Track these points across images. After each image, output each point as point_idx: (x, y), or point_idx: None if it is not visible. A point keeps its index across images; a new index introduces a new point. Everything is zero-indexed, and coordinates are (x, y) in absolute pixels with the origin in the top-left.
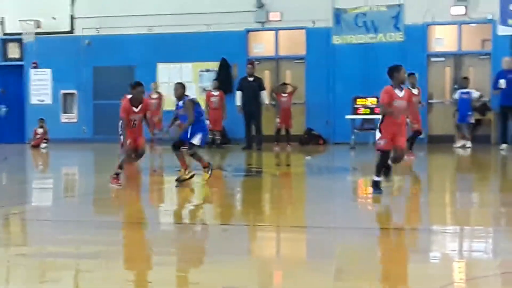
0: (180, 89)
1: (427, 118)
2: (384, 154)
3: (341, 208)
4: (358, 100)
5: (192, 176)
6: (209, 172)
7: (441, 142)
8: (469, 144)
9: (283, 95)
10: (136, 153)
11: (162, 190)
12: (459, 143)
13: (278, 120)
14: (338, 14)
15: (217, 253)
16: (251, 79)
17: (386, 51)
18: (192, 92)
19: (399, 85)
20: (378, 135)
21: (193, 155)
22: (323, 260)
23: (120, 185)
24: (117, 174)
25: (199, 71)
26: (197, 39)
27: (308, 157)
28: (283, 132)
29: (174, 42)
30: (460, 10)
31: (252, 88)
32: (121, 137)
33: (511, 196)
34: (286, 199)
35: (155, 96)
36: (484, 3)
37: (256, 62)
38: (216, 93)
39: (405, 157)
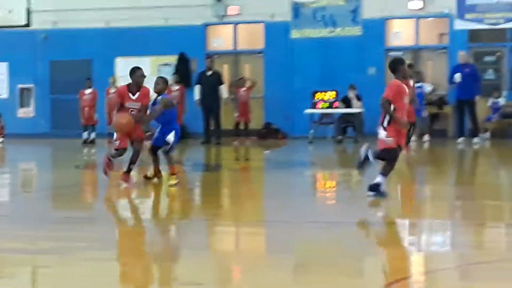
0: (162, 84)
1: None
2: (393, 151)
3: (300, 202)
4: (317, 94)
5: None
6: (176, 180)
7: None
8: (426, 137)
9: (242, 89)
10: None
11: (120, 185)
12: (412, 137)
13: (236, 114)
14: (296, 8)
15: (176, 248)
16: (209, 73)
17: (344, 45)
18: (150, 86)
19: (403, 78)
20: (383, 133)
21: (167, 153)
22: (283, 255)
23: (108, 176)
24: (110, 160)
25: (158, 65)
26: (156, 33)
27: (267, 152)
28: (241, 126)
29: (132, 36)
30: (417, 4)
31: (211, 82)
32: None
33: (468, 189)
34: (245, 193)
35: (113, 90)
36: None
37: (215, 56)
38: (177, 87)
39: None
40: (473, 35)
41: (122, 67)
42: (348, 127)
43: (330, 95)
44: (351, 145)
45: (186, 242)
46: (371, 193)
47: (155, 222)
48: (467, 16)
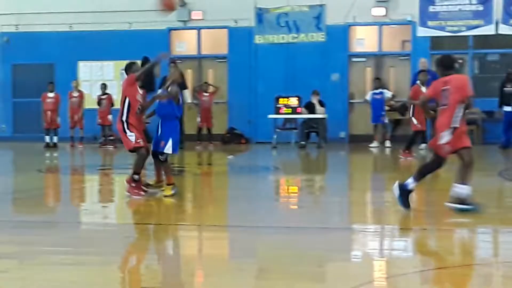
0: (176, 73)
1: (348, 117)
2: (441, 159)
3: (263, 207)
4: (280, 99)
5: (159, 186)
6: (173, 190)
7: (362, 142)
8: (388, 143)
9: (205, 94)
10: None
11: (83, 189)
12: (375, 143)
13: (199, 119)
14: (260, 14)
15: (137, 253)
16: None
17: (308, 51)
18: (113, 91)
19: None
20: (446, 137)
21: (164, 162)
22: (245, 260)
23: (143, 195)
24: (135, 181)
25: (121, 69)
26: (119, 37)
27: (230, 156)
28: (204, 131)
29: (95, 40)
30: (380, 11)
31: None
32: (128, 131)
33: (429, 195)
34: (208, 198)
35: (76, 94)
36: (404, 4)
37: (179, 61)
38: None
39: (403, 157)
40: (435, 42)
41: (85, 71)
42: (312, 133)
43: (293, 100)
44: (314, 151)
45: (148, 246)
46: (458, 206)
47: (118, 226)
48: (430, 23)
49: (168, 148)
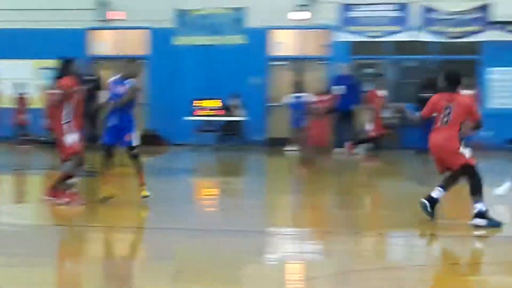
0: (135, 68)
1: (267, 120)
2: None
3: (180, 209)
4: (199, 101)
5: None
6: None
7: (280, 145)
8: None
9: None
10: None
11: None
12: (291, 146)
13: None
14: (181, 15)
15: (51, 255)
16: (89, 78)
17: (228, 54)
18: (30, 90)
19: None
20: (466, 151)
21: (136, 157)
22: (162, 262)
23: (68, 201)
24: (64, 186)
25: (39, 68)
26: (37, 36)
27: (148, 158)
28: None
29: (12, 38)
30: (300, 15)
31: (91, 87)
32: (72, 130)
33: (344, 199)
34: (123, 200)
35: None
36: (324, 9)
37: (97, 61)
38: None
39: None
40: (355, 47)
41: (2, 70)
42: (231, 135)
43: (213, 102)
44: (232, 153)
45: (62, 248)
46: (482, 221)
47: (31, 228)
48: (349, 28)
49: (135, 141)
